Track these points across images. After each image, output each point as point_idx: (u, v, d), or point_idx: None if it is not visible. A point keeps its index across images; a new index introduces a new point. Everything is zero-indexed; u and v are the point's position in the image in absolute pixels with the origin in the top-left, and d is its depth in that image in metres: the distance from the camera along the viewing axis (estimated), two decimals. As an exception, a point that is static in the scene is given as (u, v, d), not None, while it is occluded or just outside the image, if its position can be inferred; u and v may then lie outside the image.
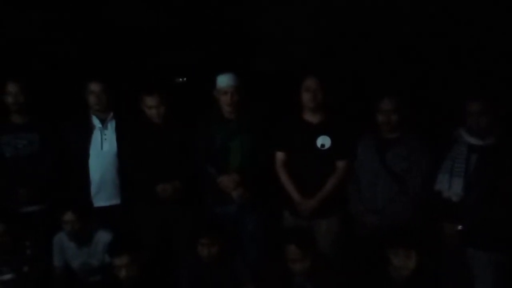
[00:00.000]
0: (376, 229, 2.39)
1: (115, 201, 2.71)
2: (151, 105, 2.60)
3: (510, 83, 2.78)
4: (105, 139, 2.70)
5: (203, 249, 2.37)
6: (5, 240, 2.46)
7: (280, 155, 2.60)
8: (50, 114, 2.81)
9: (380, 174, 2.42)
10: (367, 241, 2.42)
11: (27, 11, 3.26)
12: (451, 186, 2.28)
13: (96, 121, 2.72)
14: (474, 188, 2.23)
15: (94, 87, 2.69)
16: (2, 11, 3.24)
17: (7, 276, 2.49)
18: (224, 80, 2.56)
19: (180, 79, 3.76)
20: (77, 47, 3.36)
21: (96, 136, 2.70)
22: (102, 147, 2.69)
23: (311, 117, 2.57)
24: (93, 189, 2.68)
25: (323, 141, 2.52)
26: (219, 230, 2.41)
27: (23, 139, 2.65)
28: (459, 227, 2.24)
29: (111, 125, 2.73)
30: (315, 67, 2.90)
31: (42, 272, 2.55)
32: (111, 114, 2.73)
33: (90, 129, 2.70)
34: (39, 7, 3.28)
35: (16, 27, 3.25)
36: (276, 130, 2.62)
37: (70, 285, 2.57)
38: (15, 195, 2.60)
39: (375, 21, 3.14)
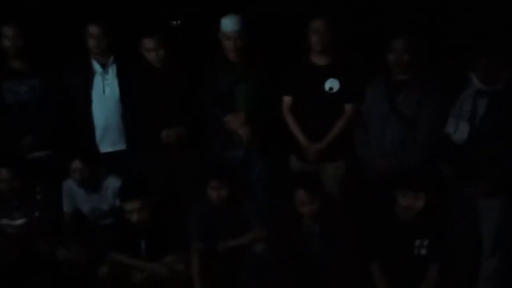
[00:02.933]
0: (385, 173, 2.38)
1: (121, 146, 2.69)
2: (149, 47, 2.53)
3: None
4: (107, 83, 2.65)
5: (213, 192, 2.40)
6: (14, 185, 2.48)
7: (287, 99, 2.56)
8: (50, 58, 2.73)
9: (389, 118, 2.39)
10: (376, 184, 2.43)
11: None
12: (457, 130, 2.26)
13: (96, 66, 2.65)
14: (479, 132, 2.21)
15: (93, 29, 2.59)
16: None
17: (19, 221, 2.54)
18: (228, 25, 2.47)
19: (175, 22, 3.62)
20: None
21: (97, 80, 2.64)
22: (104, 91, 2.64)
23: (319, 60, 2.51)
24: (98, 134, 2.66)
25: (331, 84, 2.47)
26: (228, 173, 2.42)
27: (24, 84, 2.59)
28: None
29: (112, 69, 2.66)
30: (323, 8, 2.77)
31: (53, 217, 2.58)
32: (112, 58, 2.66)
33: (91, 73, 2.64)
34: None
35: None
36: (283, 73, 2.57)
37: (82, 229, 2.61)
38: (20, 141, 2.58)
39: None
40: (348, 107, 2.49)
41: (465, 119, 2.23)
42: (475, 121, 2.20)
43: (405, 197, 2.14)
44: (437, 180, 2.28)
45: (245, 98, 2.52)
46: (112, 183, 2.52)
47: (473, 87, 2.24)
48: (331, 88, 2.47)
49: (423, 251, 2.19)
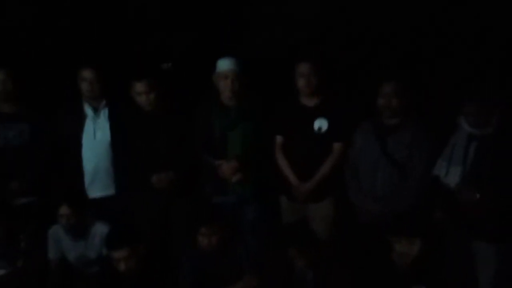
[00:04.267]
0: (377, 217, 2.37)
1: (110, 191, 2.65)
2: (140, 91, 2.54)
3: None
4: (98, 128, 2.63)
5: (203, 239, 2.34)
6: (-2, 233, 2.41)
7: (278, 139, 2.58)
8: (40, 102, 2.72)
9: (380, 162, 2.39)
10: (368, 228, 2.40)
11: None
12: (448, 173, 2.26)
13: (88, 110, 2.64)
14: (471, 177, 2.21)
15: (86, 74, 2.60)
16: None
17: (1, 271, 2.44)
18: (224, 64, 2.50)
19: (165, 65, 3.66)
20: (67, 32, 3.23)
21: (88, 125, 2.63)
22: (95, 136, 2.62)
23: (307, 101, 2.55)
24: (87, 179, 2.62)
25: (320, 124, 2.50)
26: (219, 220, 2.38)
27: (12, 129, 2.57)
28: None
29: (104, 114, 2.66)
30: (310, 51, 2.83)
31: (38, 265, 2.50)
32: (104, 102, 2.66)
33: (82, 117, 2.63)
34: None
35: (4, 14, 3.11)
36: (273, 114, 2.59)
37: (67, 278, 2.52)
38: (7, 187, 2.53)
39: (374, 3, 3.07)
40: (336, 146, 2.51)
41: (457, 163, 2.23)
42: (466, 165, 2.21)
43: (400, 242, 2.10)
44: (431, 225, 2.26)
45: (238, 143, 2.51)
46: (100, 229, 2.46)
47: (464, 131, 2.25)
48: (319, 128, 2.50)
49: (420, 299, 2.13)
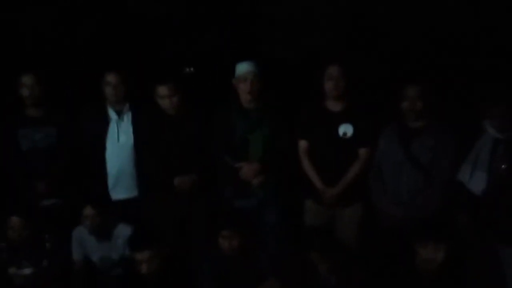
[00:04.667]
0: (400, 222, 2.33)
1: (133, 193, 2.68)
2: (163, 94, 2.56)
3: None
4: (122, 131, 2.66)
5: (224, 242, 2.34)
6: (24, 234, 2.45)
7: (302, 144, 2.56)
8: (66, 106, 2.78)
9: (404, 165, 2.36)
10: (391, 233, 2.36)
11: (41, 2, 3.21)
12: (472, 178, 2.21)
13: (112, 113, 2.68)
14: (497, 183, 2.15)
15: (111, 78, 2.64)
16: (16, 2, 3.19)
17: (27, 270, 2.48)
18: (244, 67, 2.51)
19: (188, 69, 3.70)
20: (92, 37, 3.31)
21: (112, 128, 2.66)
22: (119, 139, 2.66)
23: (333, 105, 2.53)
24: (111, 182, 2.66)
25: (345, 129, 2.48)
26: (240, 223, 2.37)
27: (40, 132, 2.62)
28: None
29: (127, 117, 2.69)
30: (337, 54, 2.82)
31: (62, 266, 2.53)
32: (127, 105, 2.70)
33: (106, 121, 2.67)
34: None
35: (31, 18, 3.20)
36: (298, 118, 2.58)
37: (90, 279, 2.55)
38: (34, 189, 2.58)
39: (397, 5, 3.04)
40: (362, 151, 2.49)
41: (482, 168, 2.19)
42: (492, 171, 2.15)
43: (425, 248, 2.06)
44: (456, 230, 2.21)
45: (259, 146, 2.51)
46: (123, 231, 2.48)
47: (489, 136, 2.20)
48: (345, 133, 2.48)
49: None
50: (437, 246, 2.05)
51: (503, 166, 2.15)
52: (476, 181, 2.21)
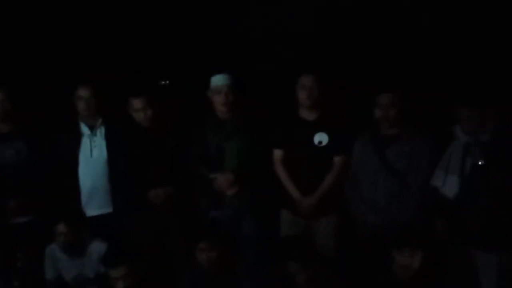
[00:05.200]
0: (378, 228, 2.34)
1: (107, 209, 2.64)
2: (138, 107, 2.55)
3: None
4: (95, 146, 2.63)
5: (202, 254, 2.30)
6: (-6, 253, 2.38)
7: (278, 153, 2.57)
8: (37, 121, 2.73)
9: (380, 172, 2.37)
10: (370, 240, 2.37)
11: (12, 15, 3.17)
12: (445, 183, 2.25)
13: (84, 128, 2.65)
14: (469, 186, 2.19)
15: (83, 92, 2.61)
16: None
17: (-2, 291, 2.41)
18: (218, 80, 2.53)
19: (163, 82, 3.69)
20: (63, 51, 3.27)
21: (85, 143, 2.63)
22: (92, 154, 2.62)
23: (307, 114, 2.55)
24: (84, 197, 2.61)
25: (320, 138, 2.49)
26: (217, 234, 2.35)
27: (9, 148, 2.56)
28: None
29: (100, 132, 2.66)
30: (309, 65, 2.85)
31: (34, 285, 2.46)
32: (100, 120, 2.66)
33: (78, 136, 2.63)
34: (24, 11, 3.19)
35: (1, 32, 3.15)
36: (273, 127, 2.59)
37: (64, 298, 2.48)
38: (4, 206, 2.51)
39: (369, 16, 3.10)
40: (337, 159, 2.50)
41: (454, 172, 2.22)
42: (464, 175, 2.19)
43: (402, 255, 2.07)
44: (432, 236, 2.23)
45: (234, 155, 2.51)
46: (98, 248, 2.42)
47: (460, 140, 2.24)
48: (320, 142, 2.49)
49: (424, 312, 2.08)
50: (413, 252, 2.06)
51: (480, 162, 2.17)
52: (449, 185, 2.24)
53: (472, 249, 2.18)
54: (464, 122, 2.20)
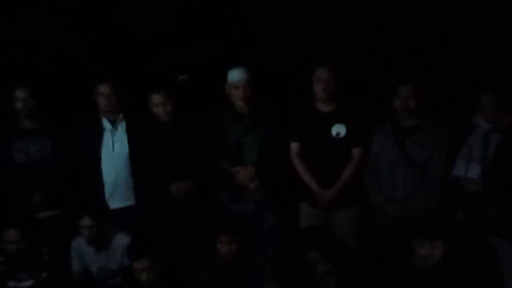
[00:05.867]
0: (398, 220, 2.34)
1: (130, 202, 2.69)
2: (157, 102, 2.58)
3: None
4: (116, 140, 2.67)
5: (223, 247, 2.34)
6: (22, 246, 2.44)
7: (295, 146, 2.57)
8: (60, 117, 2.78)
9: (400, 163, 2.37)
10: (389, 231, 2.37)
11: (33, 14, 3.22)
12: (467, 172, 2.23)
13: (106, 123, 2.69)
14: (492, 175, 2.17)
15: (104, 88, 2.65)
16: (9, 14, 3.20)
17: (26, 283, 2.48)
18: (235, 75, 2.53)
19: (181, 77, 3.72)
20: (83, 49, 3.32)
21: (107, 138, 2.67)
22: (114, 148, 2.66)
23: (324, 107, 2.54)
24: (107, 191, 2.66)
25: (338, 129, 2.48)
26: (238, 227, 2.38)
27: (34, 144, 2.62)
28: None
29: (122, 126, 2.70)
30: (326, 57, 2.84)
31: (61, 278, 2.52)
32: (121, 115, 2.70)
33: (100, 131, 2.67)
34: (45, 10, 3.24)
35: (23, 30, 3.21)
36: (289, 121, 2.59)
37: (89, 289, 2.54)
38: (30, 201, 2.58)
39: (387, 7, 3.07)
40: (355, 151, 2.49)
41: (476, 161, 2.20)
42: (486, 163, 2.17)
43: (423, 246, 2.07)
44: (453, 226, 2.22)
45: (253, 149, 2.52)
46: (121, 240, 2.48)
47: (481, 129, 2.22)
48: (338, 133, 2.48)
49: (446, 302, 2.08)
50: (434, 243, 2.06)
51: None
52: (470, 175, 2.22)
53: (494, 237, 2.16)
54: (486, 110, 2.18)
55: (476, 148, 2.21)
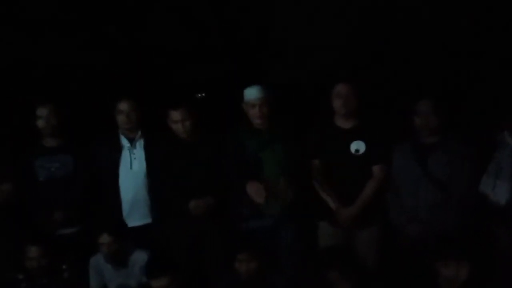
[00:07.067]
0: (420, 240, 2.29)
1: (148, 220, 2.69)
2: (176, 119, 2.59)
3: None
4: (134, 158, 2.69)
5: (242, 265, 2.32)
6: (42, 263, 2.46)
7: (315, 163, 2.53)
8: (82, 135, 2.82)
9: (421, 182, 2.33)
10: (411, 252, 2.32)
11: (55, 33, 3.31)
12: (495, 189, 2.18)
13: (124, 141, 2.71)
14: None
15: (123, 106, 2.68)
16: (32, 33, 3.29)
17: (45, 301, 2.49)
18: (252, 93, 2.53)
19: (199, 95, 3.75)
20: (104, 67, 3.38)
21: (125, 155, 2.69)
22: (132, 166, 2.68)
23: (343, 123, 2.51)
24: (125, 209, 2.67)
25: (357, 146, 2.45)
26: (257, 245, 2.35)
27: (56, 161, 2.65)
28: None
29: (140, 144, 2.72)
30: (347, 73, 2.83)
31: (80, 295, 2.53)
32: (139, 132, 2.72)
33: (119, 149, 2.69)
34: (66, 28, 3.33)
35: (46, 50, 3.30)
36: (308, 137, 2.57)
37: (108, 307, 2.54)
38: (51, 218, 2.60)
39: (406, 24, 3.06)
40: (376, 168, 2.45)
41: (505, 178, 2.15)
42: None
43: (447, 267, 2.01)
44: (483, 245, 2.16)
45: (272, 164, 2.50)
46: (140, 258, 2.48)
47: (508, 146, 2.17)
48: (357, 150, 2.45)
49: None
50: (459, 264, 2.00)
51: None
52: (499, 192, 2.17)
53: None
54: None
55: (505, 165, 2.16)
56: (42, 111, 2.67)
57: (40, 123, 2.67)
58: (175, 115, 2.60)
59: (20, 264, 2.49)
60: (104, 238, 2.45)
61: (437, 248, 2.08)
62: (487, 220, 2.26)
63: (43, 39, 3.32)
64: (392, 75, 3.14)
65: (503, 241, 2.23)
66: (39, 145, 2.70)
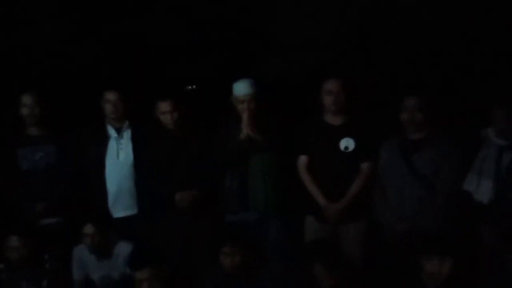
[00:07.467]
0: (405, 236, 2.30)
1: (133, 211, 2.67)
2: (164, 110, 2.57)
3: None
4: (121, 148, 2.67)
5: (226, 259, 2.30)
6: (24, 253, 2.43)
7: (303, 159, 2.54)
8: (66, 124, 2.78)
9: (407, 178, 2.34)
10: (397, 248, 2.33)
11: (40, 21, 3.26)
12: (479, 187, 2.19)
13: (111, 131, 2.69)
14: (506, 190, 2.13)
15: (110, 96, 2.66)
16: (16, 21, 3.24)
17: (27, 292, 2.46)
18: (240, 89, 2.51)
19: (190, 87, 3.74)
20: (91, 56, 3.34)
21: (111, 145, 2.67)
22: (118, 156, 2.66)
23: (333, 120, 2.52)
24: (110, 199, 2.65)
25: (346, 143, 2.46)
26: (242, 238, 2.34)
27: (40, 151, 2.62)
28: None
29: (127, 134, 2.70)
30: (334, 70, 2.83)
31: (62, 286, 2.50)
32: (127, 123, 2.70)
33: (105, 138, 2.67)
34: (52, 17, 3.28)
35: (30, 37, 3.25)
36: (297, 132, 2.56)
37: (90, 299, 2.51)
38: (33, 208, 2.57)
39: (394, 19, 3.07)
40: (364, 165, 2.46)
41: (488, 176, 2.17)
42: (499, 179, 2.13)
43: (430, 262, 2.02)
44: (466, 242, 2.17)
45: (258, 156, 2.48)
46: (123, 249, 2.45)
47: (492, 143, 2.19)
48: (346, 147, 2.46)
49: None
50: (442, 260, 2.01)
51: None
52: (483, 190, 2.19)
53: (509, 254, 2.11)
54: (499, 124, 2.14)
55: (488, 164, 2.17)
56: (26, 99, 2.63)
57: (25, 110, 2.63)
58: (164, 105, 2.59)
59: (1, 254, 2.45)
60: (89, 229, 2.43)
61: (421, 243, 2.09)
62: (471, 217, 2.27)
63: (29, 27, 3.27)
64: (384, 73, 3.15)
65: (486, 239, 2.24)
66: (23, 134, 2.66)
